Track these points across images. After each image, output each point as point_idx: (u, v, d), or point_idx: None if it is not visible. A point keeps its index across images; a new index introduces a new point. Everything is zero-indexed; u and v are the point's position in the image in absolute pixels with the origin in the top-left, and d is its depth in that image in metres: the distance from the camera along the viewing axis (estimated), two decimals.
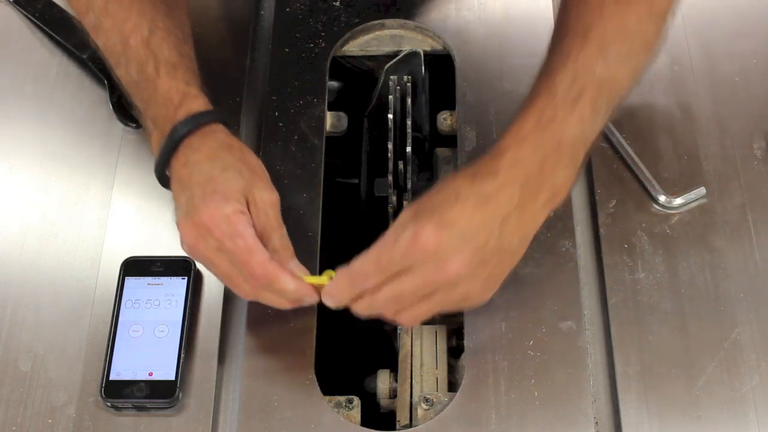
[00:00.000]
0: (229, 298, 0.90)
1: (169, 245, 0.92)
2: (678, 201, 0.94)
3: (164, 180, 0.86)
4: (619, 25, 0.83)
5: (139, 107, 0.88)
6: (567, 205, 0.94)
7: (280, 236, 0.84)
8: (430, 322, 0.94)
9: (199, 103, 0.86)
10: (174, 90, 0.85)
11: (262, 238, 0.82)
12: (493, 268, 0.79)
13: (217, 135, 0.85)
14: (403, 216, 0.79)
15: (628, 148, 0.97)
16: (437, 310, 0.80)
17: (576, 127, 0.81)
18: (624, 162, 0.97)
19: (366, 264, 0.78)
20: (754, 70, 1.03)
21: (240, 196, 0.82)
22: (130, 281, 0.89)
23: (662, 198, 0.94)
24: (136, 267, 0.90)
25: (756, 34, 1.06)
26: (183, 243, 0.82)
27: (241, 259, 0.80)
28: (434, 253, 0.75)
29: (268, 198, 0.83)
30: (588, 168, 0.97)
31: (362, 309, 0.80)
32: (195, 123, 0.84)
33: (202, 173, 0.82)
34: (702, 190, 0.94)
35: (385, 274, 0.77)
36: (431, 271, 0.76)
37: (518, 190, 0.79)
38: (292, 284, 0.81)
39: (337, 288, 0.80)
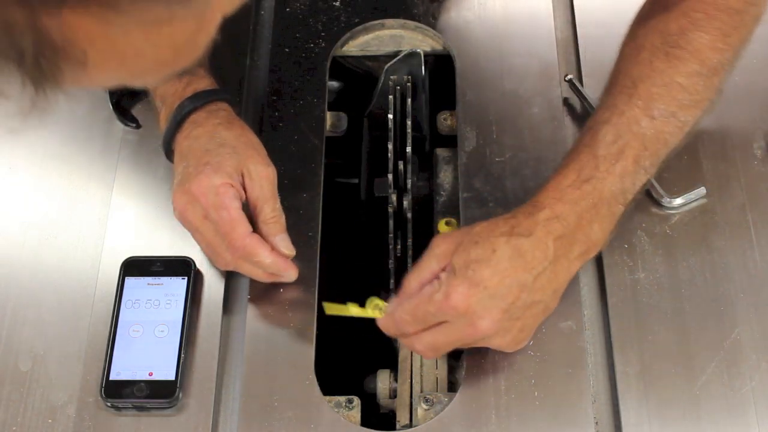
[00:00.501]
0: (229, 298, 0.90)
1: (169, 245, 0.92)
2: (678, 201, 0.94)
3: (170, 154, 0.91)
4: (668, 81, 0.85)
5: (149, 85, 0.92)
6: None
7: (272, 209, 0.88)
8: None
9: (205, 82, 0.91)
10: None
11: (255, 209, 0.88)
12: (525, 321, 0.82)
13: (219, 113, 0.90)
14: (436, 253, 0.83)
15: None
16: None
17: (615, 183, 0.84)
18: None
19: (405, 314, 0.82)
20: (754, 70, 1.03)
21: (232, 171, 0.86)
22: (130, 281, 0.89)
23: (662, 198, 0.94)
24: (136, 267, 0.90)
25: (756, 34, 1.06)
26: (174, 210, 0.87)
27: (223, 230, 0.85)
28: (465, 313, 0.79)
29: (263, 171, 0.88)
30: None
31: (406, 345, 0.85)
32: (200, 100, 0.90)
33: (200, 146, 0.88)
34: (702, 190, 0.94)
35: (422, 325, 0.81)
36: (463, 327, 0.80)
37: (552, 244, 0.82)
38: (269, 258, 0.86)
39: (384, 326, 0.84)
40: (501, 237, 0.82)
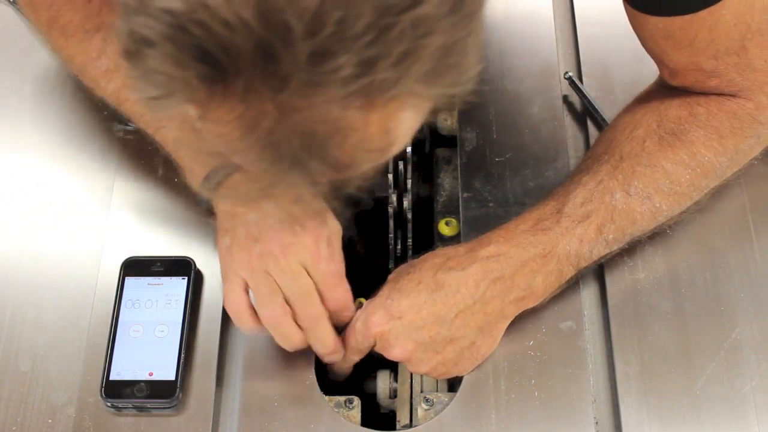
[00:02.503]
0: None
1: (169, 245, 0.92)
2: None
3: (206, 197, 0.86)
4: (653, 163, 0.85)
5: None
6: None
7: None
8: None
9: None
10: None
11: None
12: (447, 355, 0.83)
13: None
14: (388, 280, 0.85)
15: None
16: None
17: (572, 244, 0.84)
18: None
19: (344, 351, 0.85)
20: None
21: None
22: (130, 281, 0.89)
23: None
24: (136, 267, 0.90)
25: None
26: (273, 241, 0.80)
27: (329, 283, 0.82)
28: (380, 339, 0.83)
29: (336, 228, 0.84)
30: None
31: None
32: None
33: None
34: None
35: (359, 353, 0.85)
36: (383, 351, 0.84)
37: (487, 284, 0.82)
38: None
39: (338, 367, 0.87)
40: (430, 270, 0.83)
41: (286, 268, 0.80)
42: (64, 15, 0.89)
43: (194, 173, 0.84)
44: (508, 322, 0.85)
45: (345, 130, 0.52)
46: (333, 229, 0.83)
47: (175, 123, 0.54)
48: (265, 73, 0.49)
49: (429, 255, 0.85)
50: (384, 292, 0.84)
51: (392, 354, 0.83)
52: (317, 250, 0.81)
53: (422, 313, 0.81)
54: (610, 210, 0.84)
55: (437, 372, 0.84)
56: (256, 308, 0.81)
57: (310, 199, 0.76)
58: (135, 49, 0.51)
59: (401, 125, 0.55)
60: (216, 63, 0.49)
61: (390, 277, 0.85)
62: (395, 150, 0.57)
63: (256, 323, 0.82)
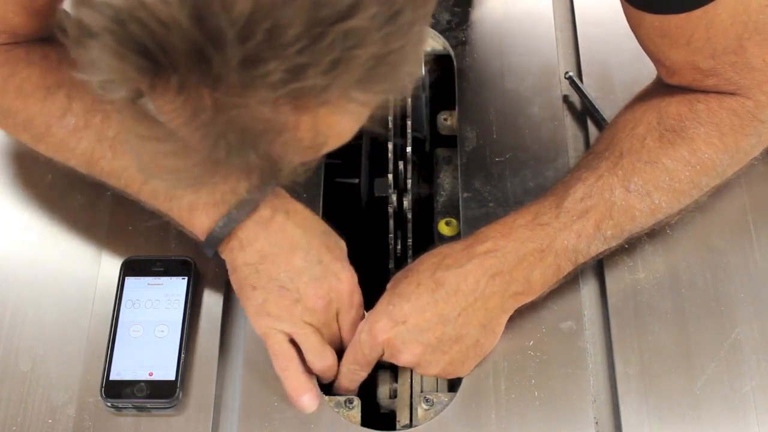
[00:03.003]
0: (229, 298, 0.90)
1: (169, 245, 0.92)
2: None
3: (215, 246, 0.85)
4: (654, 160, 0.85)
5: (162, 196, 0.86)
6: None
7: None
8: None
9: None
10: None
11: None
12: (454, 354, 0.83)
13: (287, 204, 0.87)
14: (388, 286, 0.85)
15: None
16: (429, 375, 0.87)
17: (570, 239, 0.83)
18: None
19: (350, 365, 0.85)
20: None
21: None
22: (130, 281, 0.89)
23: None
24: (136, 267, 0.90)
25: None
26: (315, 300, 0.83)
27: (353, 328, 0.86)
28: (387, 346, 0.83)
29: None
30: None
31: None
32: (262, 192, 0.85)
33: (318, 236, 0.85)
34: None
35: (367, 366, 0.85)
36: (392, 358, 0.84)
37: (486, 280, 0.82)
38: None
39: (345, 386, 0.87)
40: (427, 270, 0.83)
41: (330, 321, 0.85)
42: (20, 72, 0.85)
43: (198, 219, 0.85)
44: (507, 317, 0.85)
45: (277, 128, 0.54)
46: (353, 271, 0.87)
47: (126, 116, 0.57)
48: (199, 71, 0.51)
49: (425, 255, 0.85)
50: (384, 299, 0.84)
51: (402, 360, 0.83)
52: (351, 299, 0.85)
53: (426, 315, 0.81)
54: (609, 206, 0.84)
55: (446, 372, 0.84)
56: (306, 360, 0.85)
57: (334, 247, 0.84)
58: (80, 38, 0.53)
59: (334, 128, 0.57)
60: (153, 58, 0.51)
61: (388, 285, 0.85)
62: (329, 148, 0.59)
63: (306, 373, 0.84)
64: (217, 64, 0.50)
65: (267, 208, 0.84)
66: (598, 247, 0.85)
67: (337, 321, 0.86)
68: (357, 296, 0.86)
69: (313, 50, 0.50)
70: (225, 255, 0.86)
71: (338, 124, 0.57)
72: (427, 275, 0.83)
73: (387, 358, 0.84)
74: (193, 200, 0.84)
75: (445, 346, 0.82)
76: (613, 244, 0.86)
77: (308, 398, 0.83)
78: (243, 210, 0.83)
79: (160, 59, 0.51)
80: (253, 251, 0.84)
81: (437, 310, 0.81)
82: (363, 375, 0.86)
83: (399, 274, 0.86)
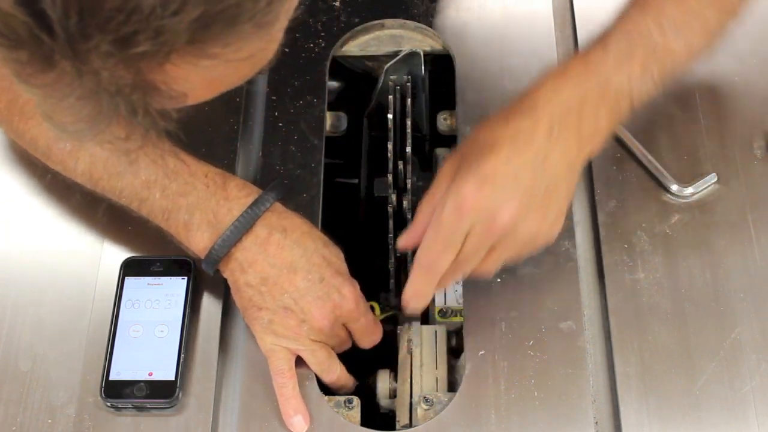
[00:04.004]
0: (229, 298, 0.90)
1: (169, 245, 0.92)
2: (689, 190, 0.94)
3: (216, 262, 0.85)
4: (679, 3, 0.85)
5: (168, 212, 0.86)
6: None
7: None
8: (430, 321, 0.94)
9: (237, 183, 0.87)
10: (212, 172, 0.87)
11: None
12: (549, 203, 0.79)
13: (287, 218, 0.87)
14: (443, 173, 0.80)
15: (635, 141, 0.97)
16: (510, 256, 0.82)
17: (623, 80, 0.82)
18: (631, 155, 0.96)
19: (432, 251, 0.79)
20: (754, 70, 1.03)
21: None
22: (130, 281, 0.89)
23: (674, 187, 0.94)
24: (136, 267, 0.90)
25: (755, 34, 1.06)
26: (321, 319, 0.84)
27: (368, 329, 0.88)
28: (482, 210, 0.76)
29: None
30: (588, 168, 0.97)
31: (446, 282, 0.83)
32: (276, 195, 0.86)
33: (318, 251, 0.85)
34: (713, 177, 0.94)
35: (453, 246, 0.78)
36: (487, 226, 0.77)
37: (558, 120, 0.79)
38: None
39: (417, 289, 0.83)
40: (498, 123, 0.79)
41: (338, 334, 0.86)
42: (21, 95, 0.87)
43: (194, 238, 0.85)
44: (581, 164, 0.82)
45: (130, 88, 0.56)
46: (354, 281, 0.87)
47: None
48: (42, 49, 0.53)
49: (485, 121, 0.82)
50: (462, 170, 0.78)
51: (498, 223, 0.76)
52: (357, 309, 0.86)
53: (512, 165, 0.77)
54: (650, 46, 0.83)
55: (551, 228, 0.80)
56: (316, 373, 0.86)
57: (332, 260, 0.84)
58: None
59: (186, 82, 0.58)
60: (9, 39, 0.54)
61: (448, 163, 0.81)
62: (194, 100, 0.60)
63: (299, 396, 0.84)
64: (52, 43, 0.53)
65: (263, 227, 0.84)
66: (649, 88, 0.84)
67: (347, 328, 0.87)
68: (362, 304, 0.87)
69: (134, 20, 0.52)
70: (226, 275, 0.86)
71: (188, 79, 0.57)
72: (499, 127, 0.79)
73: (480, 229, 0.77)
74: (188, 220, 0.85)
75: (538, 195, 0.78)
76: (660, 87, 0.85)
77: (299, 420, 0.83)
78: (237, 230, 0.84)
79: (10, 39, 0.53)
80: (254, 273, 0.84)
81: (521, 159, 0.77)
82: (432, 286, 0.82)
83: (459, 148, 0.82)
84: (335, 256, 0.87)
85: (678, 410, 0.83)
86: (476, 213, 0.76)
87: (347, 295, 0.85)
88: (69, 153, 0.87)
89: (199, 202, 0.85)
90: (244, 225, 0.84)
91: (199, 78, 0.58)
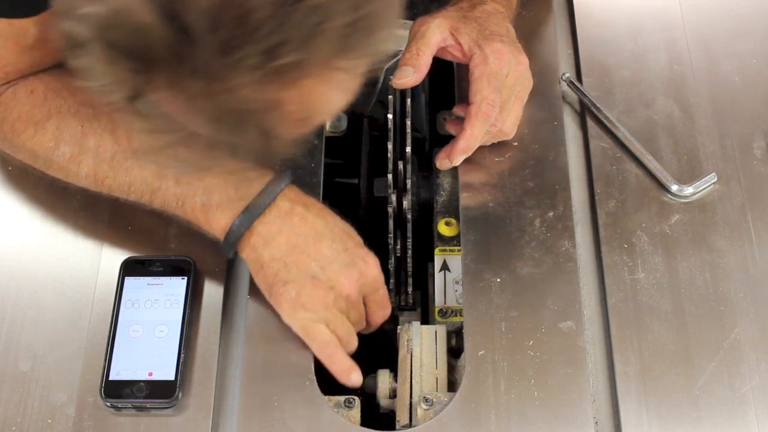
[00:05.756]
0: (229, 298, 0.90)
1: (169, 245, 0.92)
2: (689, 190, 0.94)
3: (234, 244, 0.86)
4: None
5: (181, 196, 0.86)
6: (567, 204, 0.94)
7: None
8: (430, 321, 0.95)
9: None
10: None
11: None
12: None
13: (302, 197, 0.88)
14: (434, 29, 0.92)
15: (635, 141, 0.97)
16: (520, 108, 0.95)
17: None
18: (631, 155, 0.96)
19: (488, 93, 0.90)
20: (754, 70, 1.03)
21: None
22: (130, 281, 0.89)
23: (674, 187, 0.94)
24: (136, 267, 0.90)
25: (755, 34, 1.06)
26: (349, 287, 0.85)
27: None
28: (518, 57, 0.93)
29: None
30: (588, 168, 0.97)
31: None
32: (291, 173, 0.87)
33: (338, 225, 0.87)
34: (713, 176, 0.94)
35: (501, 96, 0.92)
36: (519, 70, 0.93)
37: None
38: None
39: (476, 134, 0.92)
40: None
41: (357, 305, 0.87)
42: (11, 112, 0.87)
43: (215, 217, 0.85)
44: None
45: (266, 106, 0.56)
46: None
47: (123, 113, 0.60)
48: (181, 66, 0.54)
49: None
50: (473, 36, 0.92)
51: (523, 60, 0.93)
52: (380, 278, 0.87)
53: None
54: None
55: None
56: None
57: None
58: (70, 48, 0.57)
59: (320, 99, 0.59)
60: (140, 59, 0.54)
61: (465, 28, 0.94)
62: (320, 120, 0.62)
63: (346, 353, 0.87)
64: (195, 57, 0.53)
65: (285, 200, 0.85)
66: None
67: (364, 302, 0.88)
68: (381, 277, 0.88)
69: (283, 29, 0.52)
70: (247, 253, 0.86)
71: (324, 95, 0.58)
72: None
73: (521, 75, 0.93)
74: (206, 201, 0.85)
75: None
76: None
77: (357, 375, 0.85)
78: (260, 204, 0.84)
79: (146, 59, 0.54)
80: (280, 244, 0.84)
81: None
82: (495, 111, 0.92)
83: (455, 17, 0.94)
84: (352, 230, 0.88)
85: (678, 410, 0.83)
86: (518, 61, 0.93)
87: (371, 263, 0.87)
88: (70, 159, 0.87)
89: (216, 182, 0.85)
90: (267, 197, 0.84)
91: (333, 95, 0.59)
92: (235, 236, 0.84)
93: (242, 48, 0.52)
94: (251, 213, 0.84)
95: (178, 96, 0.56)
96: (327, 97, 0.59)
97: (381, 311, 0.90)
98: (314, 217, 0.86)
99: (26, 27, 0.82)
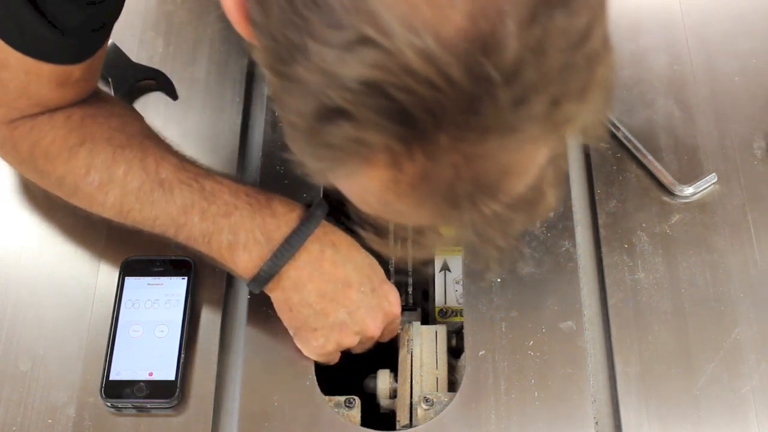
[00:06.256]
0: (229, 298, 0.90)
1: (169, 245, 0.91)
2: (689, 190, 0.94)
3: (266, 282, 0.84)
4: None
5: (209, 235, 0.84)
6: (567, 204, 0.94)
7: None
8: (430, 321, 0.94)
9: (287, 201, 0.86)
10: (254, 192, 0.85)
11: None
12: None
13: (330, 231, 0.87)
14: None
15: (635, 141, 0.97)
16: None
17: None
18: (631, 155, 0.96)
19: None
20: (754, 70, 1.03)
21: None
22: (130, 281, 0.89)
23: (674, 187, 0.94)
24: (136, 267, 0.90)
25: (756, 34, 1.06)
26: (374, 330, 0.85)
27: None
28: None
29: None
30: (588, 168, 0.97)
31: None
32: (323, 211, 0.85)
33: (365, 262, 0.86)
34: (713, 177, 0.94)
35: None
36: None
37: None
38: None
39: None
40: None
41: (375, 338, 0.88)
42: (45, 137, 0.85)
43: (241, 259, 0.83)
44: None
45: (519, 165, 0.54)
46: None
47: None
48: (466, 126, 0.50)
49: None
50: None
51: None
52: (398, 315, 0.88)
53: None
54: None
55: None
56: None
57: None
58: (325, 120, 0.52)
59: (535, 160, 0.56)
60: (417, 123, 0.50)
61: None
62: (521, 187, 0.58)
63: None
64: (487, 113, 0.50)
65: (314, 243, 0.83)
66: None
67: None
68: (399, 312, 0.88)
69: (567, 78, 0.51)
70: (275, 294, 0.85)
71: (541, 156, 0.56)
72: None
73: None
74: (232, 240, 0.83)
75: None
76: None
77: None
78: (292, 247, 0.82)
79: (426, 122, 0.50)
80: (311, 292, 0.83)
81: None
82: None
83: None
84: (376, 264, 0.87)
85: (678, 410, 0.83)
86: None
87: (393, 301, 0.87)
88: (98, 187, 0.85)
89: (243, 222, 0.83)
90: (297, 242, 0.82)
91: (534, 159, 0.56)
92: (264, 279, 0.83)
93: (533, 99, 0.50)
94: (281, 257, 0.82)
95: (430, 166, 0.52)
96: (539, 160, 0.56)
97: (391, 335, 0.90)
98: (344, 260, 0.84)
99: (71, 70, 0.81)
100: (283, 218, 0.83)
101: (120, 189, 0.84)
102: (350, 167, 0.54)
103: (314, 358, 0.87)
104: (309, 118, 0.53)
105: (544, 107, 0.50)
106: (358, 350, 0.89)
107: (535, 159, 0.55)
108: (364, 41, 0.49)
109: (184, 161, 0.85)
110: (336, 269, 0.84)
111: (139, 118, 0.90)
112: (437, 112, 0.49)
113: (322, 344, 0.85)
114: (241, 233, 0.82)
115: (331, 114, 0.51)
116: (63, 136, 0.85)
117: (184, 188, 0.83)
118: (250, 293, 0.89)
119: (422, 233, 0.66)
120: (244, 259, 0.83)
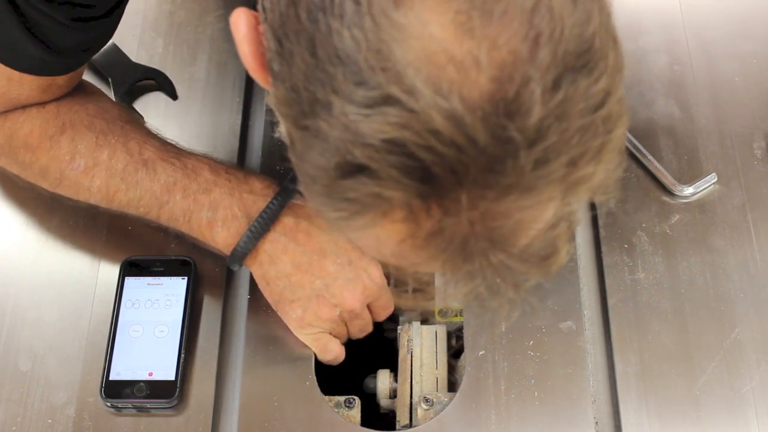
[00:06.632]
0: (229, 298, 0.90)
1: (169, 245, 0.92)
2: (689, 190, 0.94)
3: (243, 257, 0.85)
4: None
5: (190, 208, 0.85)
6: None
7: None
8: (430, 321, 0.94)
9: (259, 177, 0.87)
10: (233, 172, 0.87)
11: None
12: None
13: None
14: None
15: (635, 141, 0.97)
16: None
17: None
18: (631, 155, 0.96)
19: None
20: (754, 70, 1.03)
21: None
22: (130, 281, 0.89)
23: (674, 187, 0.94)
24: (136, 267, 0.90)
25: (756, 35, 1.06)
26: (353, 302, 0.85)
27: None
28: None
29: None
30: None
31: None
32: (292, 193, 0.85)
33: (344, 237, 0.84)
34: (713, 177, 0.94)
35: None
36: None
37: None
38: None
39: None
40: None
41: (362, 315, 0.87)
42: (21, 127, 0.86)
43: (219, 235, 0.85)
44: None
45: (531, 220, 0.54)
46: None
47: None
48: (486, 184, 0.51)
49: None
50: None
51: None
52: (383, 287, 0.86)
53: None
54: None
55: None
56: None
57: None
58: (347, 175, 0.52)
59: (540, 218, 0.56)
60: (438, 181, 0.50)
61: None
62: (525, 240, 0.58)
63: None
64: (508, 174, 0.50)
65: (289, 216, 0.84)
66: None
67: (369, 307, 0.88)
68: (384, 284, 0.87)
69: (585, 139, 0.51)
70: (254, 269, 0.86)
71: (545, 212, 0.56)
72: None
73: None
74: (211, 217, 0.84)
75: None
76: None
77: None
78: (266, 221, 0.83)
79: (448, 181, 0.50)
80: (285, 263, 0.84)
81: None
82: None
83: None
84: None
85: (678, 410, 0.83)
86: None
87: (374, 274, 0.86)
88: (83, 172, 0.86)
89: (222, 198, 0.84)
90: (272, 215, 0.84)
91: (545, 214, 0.56)
92: (241, 254, 0.84)
93: (554, 161, 0.51)
94: (256, 232, 0.83)
95: (446, 223, 0.52)
96: (549, 214, 0.56)
97: (384, 311, 0.89)
98: (319, 231, 0.85)
99: (55, 79, 0.82)
100: (260, 194, 0.85)
101: (105, 172, 0.85)
102: (367, 219, 0.54)
103: (299, 334, 0.86)
104: (330, 171, 0.53)
105: (563, 168, 0.51)
106: (356, 334, 0.88)
107: (546, 214, 0.55)
108: (389, 100, 0.49)
109: (165, 143, 0.87)
110: (310, 240, 0.84)
111: (115, 103, 0.91)
112: (459, 171, 0.50)
113: (300, 315, 0.85)
114: (219, 210, 0.84)
115: (353, 169, 0.52)
116: (41, 126, 0.86)
117: (167, 166, 0.85)
118: (250, 292, 0.89)
119: (428, 283, 0.68)
120: (222, 236, 0.84)
